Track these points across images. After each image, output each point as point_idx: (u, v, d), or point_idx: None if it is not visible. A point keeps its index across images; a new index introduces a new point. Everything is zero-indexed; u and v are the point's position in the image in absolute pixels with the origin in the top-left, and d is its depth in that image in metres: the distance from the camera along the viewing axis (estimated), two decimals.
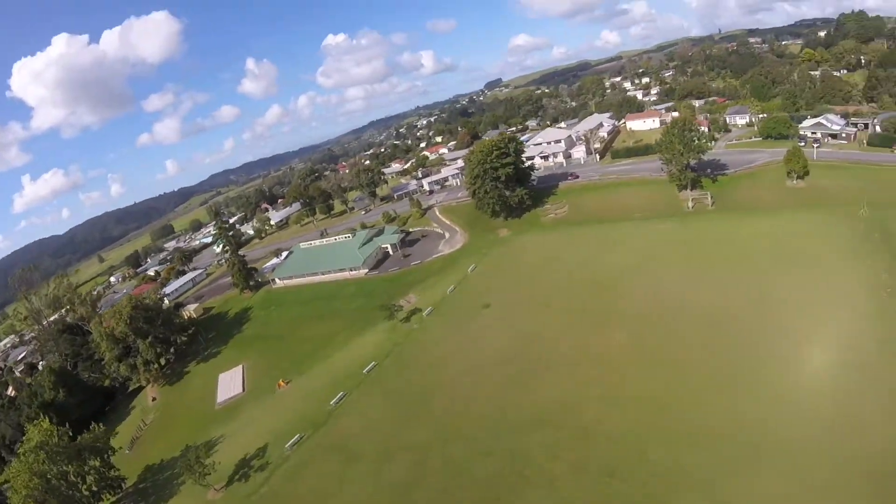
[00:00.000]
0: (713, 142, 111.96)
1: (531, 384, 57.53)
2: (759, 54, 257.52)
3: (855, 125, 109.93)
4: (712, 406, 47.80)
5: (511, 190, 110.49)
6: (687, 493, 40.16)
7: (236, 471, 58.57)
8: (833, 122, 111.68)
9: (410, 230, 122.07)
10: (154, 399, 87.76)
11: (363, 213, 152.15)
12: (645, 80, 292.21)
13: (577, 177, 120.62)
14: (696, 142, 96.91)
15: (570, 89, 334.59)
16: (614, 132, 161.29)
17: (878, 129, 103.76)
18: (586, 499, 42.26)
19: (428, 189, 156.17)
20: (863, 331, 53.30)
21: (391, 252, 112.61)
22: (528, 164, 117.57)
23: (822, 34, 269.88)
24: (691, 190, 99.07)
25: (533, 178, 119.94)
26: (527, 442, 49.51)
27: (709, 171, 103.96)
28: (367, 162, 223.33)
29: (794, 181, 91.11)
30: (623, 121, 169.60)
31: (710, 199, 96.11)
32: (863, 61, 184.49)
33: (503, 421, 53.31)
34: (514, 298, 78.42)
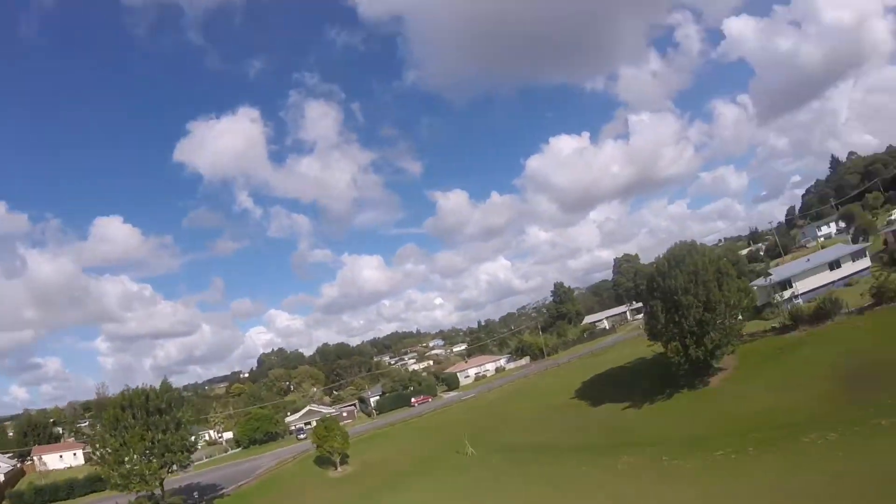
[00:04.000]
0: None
1: None
2: (186, 397, 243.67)
3: (347, 405, 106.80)
4: None
5: None
6: None
7: None
8: (323, 406, 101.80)
9: None
10: None
11: None
12: (58, 429, 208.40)
13: None
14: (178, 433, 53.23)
15: None
16: (13, 473, 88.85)
17: (373, 402, 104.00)
18: None
19: None
20: None
21: None
22: None
23: (245, 375, 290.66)
24: None
25: None
26: None
27: (195, 494, 59.61)
28: None
29: (338, 468, 60.32)
30: (31, 456, 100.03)
31: None
32: (292, 387, 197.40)
33: None
34: None
